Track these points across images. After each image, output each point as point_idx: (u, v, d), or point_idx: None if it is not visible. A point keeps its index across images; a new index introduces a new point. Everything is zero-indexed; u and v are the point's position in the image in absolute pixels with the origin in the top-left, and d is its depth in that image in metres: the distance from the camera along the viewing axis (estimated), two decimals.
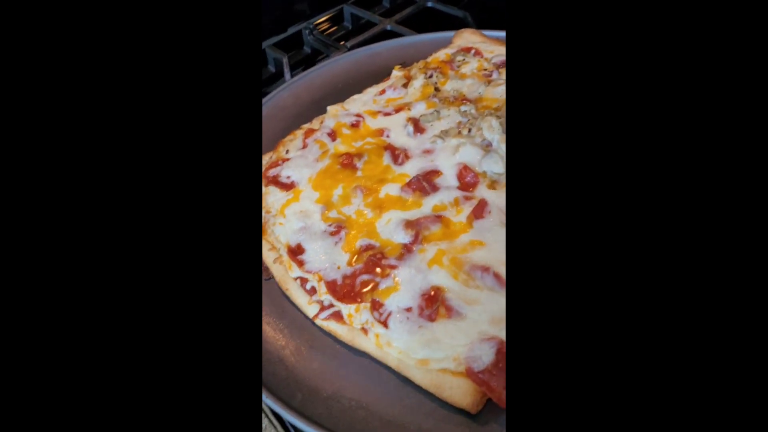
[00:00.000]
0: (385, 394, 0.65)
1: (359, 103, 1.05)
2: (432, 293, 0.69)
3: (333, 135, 0.97)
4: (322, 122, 1.01)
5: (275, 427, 0.69)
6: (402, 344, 0.66)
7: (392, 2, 1.64)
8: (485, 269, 0.70)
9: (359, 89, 1.11)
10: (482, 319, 0.66)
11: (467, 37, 1.21)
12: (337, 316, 0.72)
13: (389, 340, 0.67)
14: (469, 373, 0.62)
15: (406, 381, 0.66)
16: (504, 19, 1.42)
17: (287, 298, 0.77)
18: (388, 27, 1.43)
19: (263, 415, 0.70)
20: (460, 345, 0.64)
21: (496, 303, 0.67)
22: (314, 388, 0.66)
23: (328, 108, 1.05)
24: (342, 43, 1.43)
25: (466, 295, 0.68)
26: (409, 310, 0.68)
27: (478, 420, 0.61)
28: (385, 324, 0.68)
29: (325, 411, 0.63)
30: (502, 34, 1.21)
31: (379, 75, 1.16)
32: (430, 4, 1.52)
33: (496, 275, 0.70)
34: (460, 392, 0.61)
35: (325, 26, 1.57)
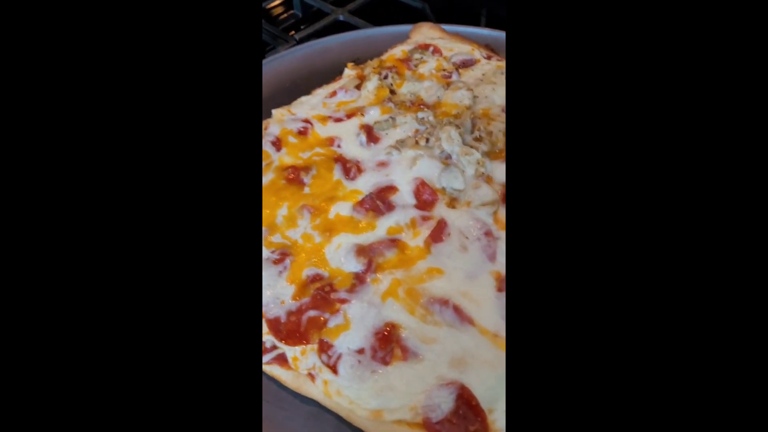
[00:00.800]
0: None
1: (308, 106, 0.96)
2: (386, 331, 0.62)
3: (278, 144, 0.88)
4: (266, 128, 0.91)
5: None
6: (353, 393, 0.59)
7: None
8: (444, 302, 0.64)
9: (308, 89, 1.01)
10: (441, 361, 0.60)
11: (425, 32, 1.12)
12: (281, 359, 0.64)
13: (339, 388, 0.60)
14: (427, 425, 0.56)
15: (359, 431, 0.59)
16: (464, 12, 1.35)
17: None
18: (341, 17, 1.33)
19: None
20: (416, 392, 0.58)
21: (456, 341, 0.62)
22: None
23: (273, 111, 0.95)
24: (291, 33, 1.32)
25: (423, 332, 0.62)
26: (361, 351, 0.61)
27: None
28: (334, 369, 0.61)
29: None
30: (462, 29, 1.14)
31: (330, 73, 1.07)
32: None
33: (456, 308, 0.64)
34: None
35: (279, 11, 1.45)
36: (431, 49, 1.06)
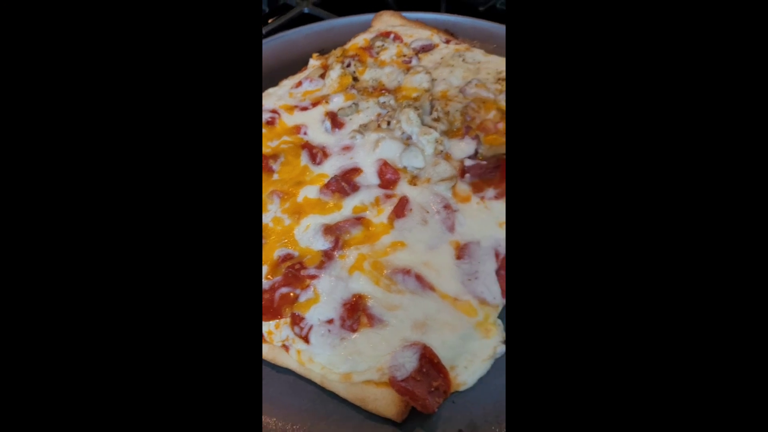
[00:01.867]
0: (310, 412, 0.63)
1: (275, 97, 0.99)
2: (353, 301, 0.67)
3: None
4: None
5: None
6: (324, 359, 0.64)
7: None
8: (406, 272, 0.69)
9: (275, 81, 1.05)
10: (404, 326, 0.65)
11: (386, 20, 1.16)
12: None
13: (311, 356, 0.64)
14: (393, 383, 0.61)
15: (332, 395, 0.64)
16: None
17: None
18: (306, 10, 1.35)
19: None
20: (382, 355, 0.63)
21: (418, 306, 0.66)
22: None
23: None
24: None
25: (387, 300, 0.67)
26: (330, 322, 0.66)
27: (404, 428, 0.61)
28: (306, 339, 0.65)
29: None
30: (423, 15, 1.18)
31: (297, 64, 1.10)
32: None
33: (418, 277, 0.69)
34: (385, 403, 0.61)
35: None
36: (392, 36, 1.10)
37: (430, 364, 0.62)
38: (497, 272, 0.70)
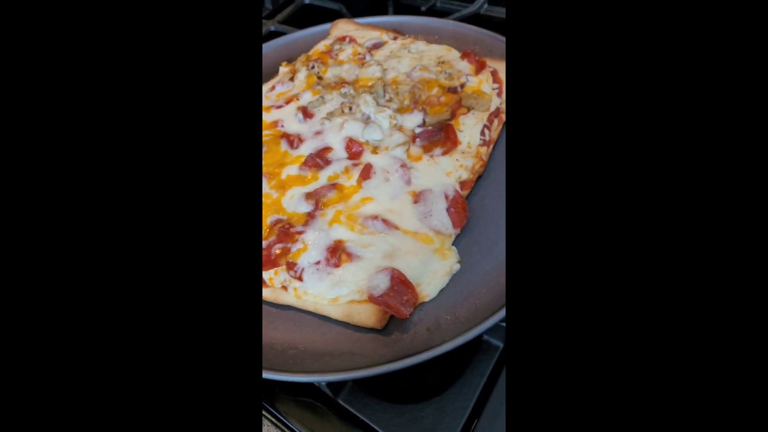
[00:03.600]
0: (309, 334, 0.79)
1: None
2: (334, 246, 0.83)
3: None
4: None
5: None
6: (316, 291, 0.79)
7: (274, 4, 1.74)
8: (375, 217, 0.86)
9: None
10: (377, 257, 0.81)
11: (342, 26, 1.34)
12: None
13: (305, 290, 0.80)
14: (371, 299, 0.77)
15: (325, 319, 0.80)
16: (374, 3, 1.57)
17: None
18: (272, 28, 1.54)
19: None
20: (361, 280, 0.79)
21: (386, 242, 0.83)
22: None
23: None
24: None
25: (361, 241, 0.83)
26: (318, 263, 0.82)
27: (385, 332, 0.76)
28: (300, 278, 0.81)
29: (262, 358, 0.76)
30: (373, 19, 1.36)
31: (269, 74, 1.27)
32: (307, 1, 1.64)
33: (384, 220, 0.85)
34: (366, 315, 0.77)
35: None
36: (348, 39, 1.28)
37: (400, 282, 0.78)
38: (447, 210, 0.87)
